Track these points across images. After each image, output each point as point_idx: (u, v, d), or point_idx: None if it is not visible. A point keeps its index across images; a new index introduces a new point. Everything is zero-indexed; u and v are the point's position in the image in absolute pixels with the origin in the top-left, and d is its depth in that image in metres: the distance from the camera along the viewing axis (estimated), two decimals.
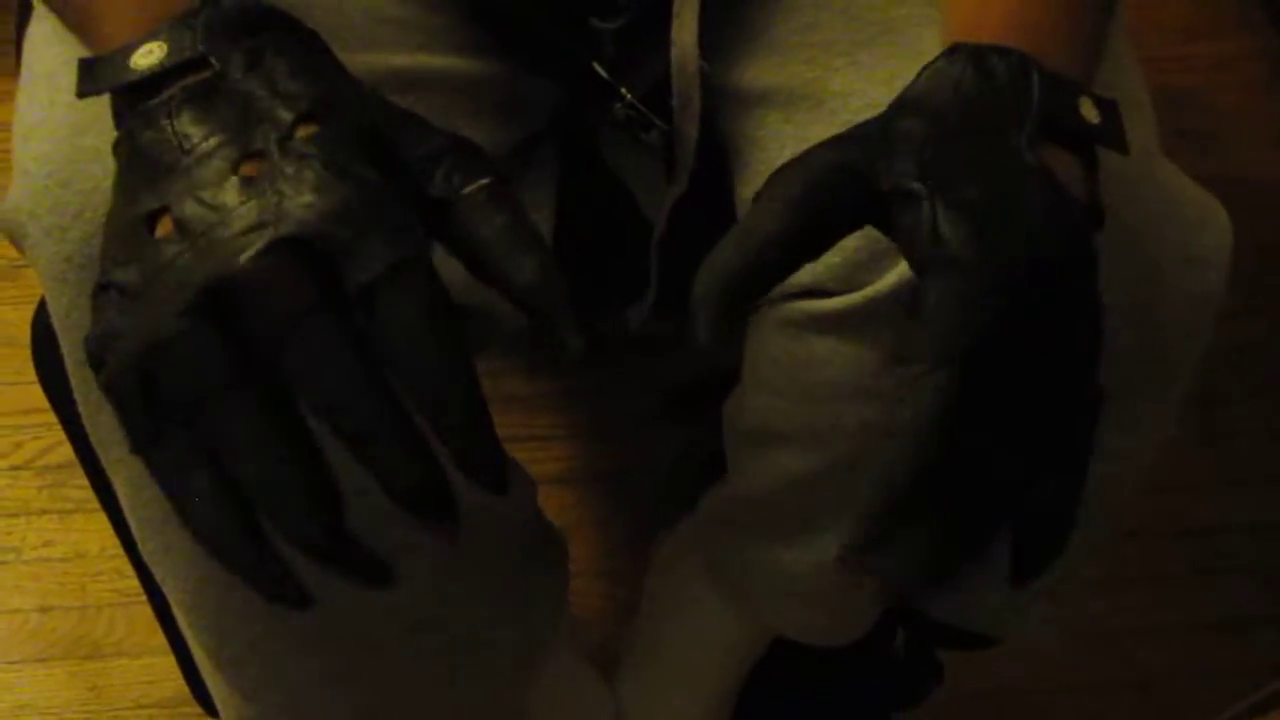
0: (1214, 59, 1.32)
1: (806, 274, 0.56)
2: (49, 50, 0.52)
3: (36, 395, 0.63)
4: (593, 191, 0.66)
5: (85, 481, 0.66)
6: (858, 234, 0.54)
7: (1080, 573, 0.71)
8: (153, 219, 0.40)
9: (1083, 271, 0.43)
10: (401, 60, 0.54)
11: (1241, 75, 1.31)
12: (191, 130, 0.40)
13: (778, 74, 0.58)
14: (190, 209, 0.39)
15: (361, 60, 0.52)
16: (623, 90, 0.59)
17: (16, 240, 0.52)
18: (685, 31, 0.56)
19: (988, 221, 0.41)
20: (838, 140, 0.45)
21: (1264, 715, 0.84)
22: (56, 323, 0.52)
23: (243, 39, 0.41)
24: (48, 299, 0.52)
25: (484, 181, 0.41)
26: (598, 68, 0.59)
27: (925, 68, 0.45)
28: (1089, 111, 0.45)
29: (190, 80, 0.41)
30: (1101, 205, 0.45)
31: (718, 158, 0.62)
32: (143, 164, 0.41)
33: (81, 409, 0.54)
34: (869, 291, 0.55)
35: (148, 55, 0.42)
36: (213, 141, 0.40)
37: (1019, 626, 0.72)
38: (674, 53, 0.57)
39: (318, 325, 0.37)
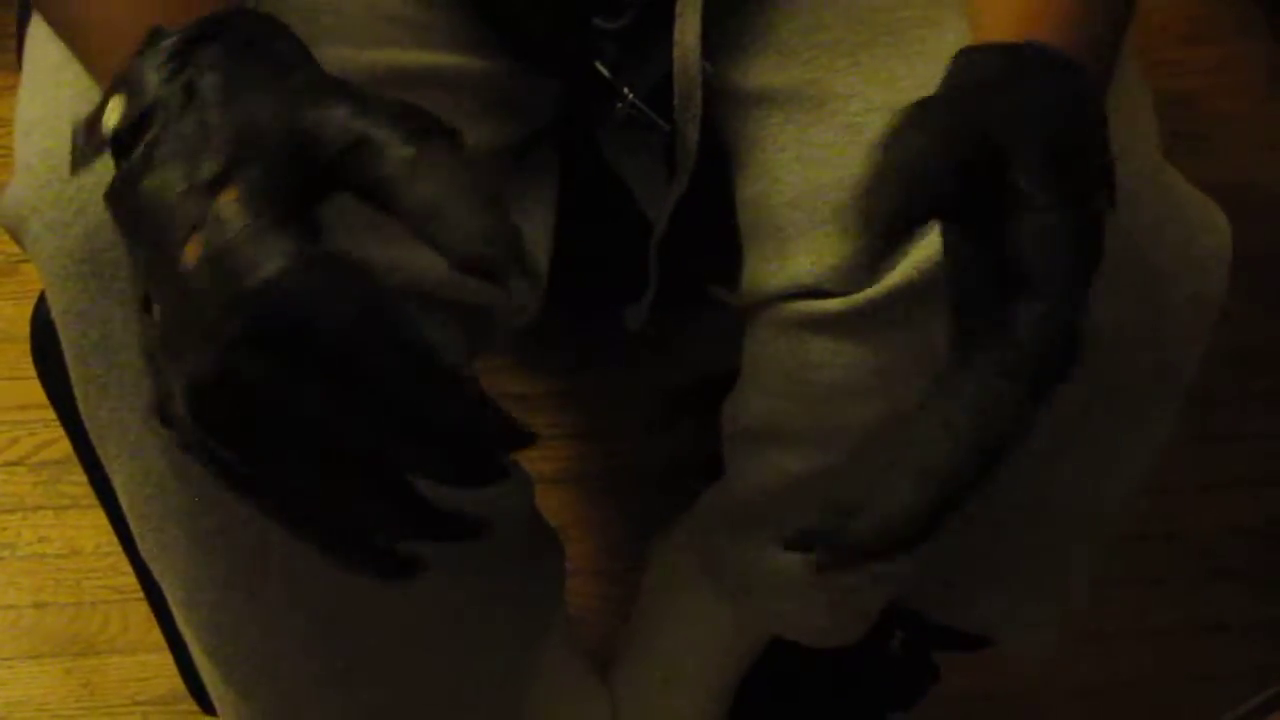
0: (1213, 63, 1.32)
1: (807, 275, 0.56)
2: (51, 46, 0.52)
3: (33, 391, 0.63)
4: (593, 190, 0.65)
5: (81, 478, 0.66)
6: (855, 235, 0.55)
7: (1075, 575, 0.71)
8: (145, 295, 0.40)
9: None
10: (404, 57, 0.54)
11: (1240, 79, 1.31)
12: (149, 202, 0.39)
13: (779, 75, 0.58)
14: (163, 299, 0.39)
15: (363, 57, 0.52)
16: (624, 90, 0.59)
17: (17, 235, 0.51)
18: (688, 32, 0.56)
19: (1080, 253, 0.41)
20: (960, 103, 0.43)
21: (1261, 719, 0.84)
22: (57, 318, 0.52)
23: (184, 70, 0.40)
24: (48, 294, 0.52)
25: (408, 153, 0.39)
26: (600, 67, 0.59)
27: (994, 50, 0.44)
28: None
29: (143, 142, 0.40)
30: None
31: (718, 157, 0.62)
32: (128, 238, 0.41)
33: (81, 404, 0.54)
34: (869, 293, 0.55)
35: (112, 114, 0.41)
36: (166, 213, 0.39)
37: (1014, 628, 0.72)
38: (676, 53, 0.57)
39: (303, 399, 0.38)
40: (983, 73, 0.43)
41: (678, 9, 0.56)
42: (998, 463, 0.41)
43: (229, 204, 0.38)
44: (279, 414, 0.38)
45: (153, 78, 0.40)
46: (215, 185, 0.38)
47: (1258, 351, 1.15)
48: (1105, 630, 1.02)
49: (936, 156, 0.40)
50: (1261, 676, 0.92)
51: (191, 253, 0.38)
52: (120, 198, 0.41)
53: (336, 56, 0.52)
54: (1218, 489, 1.09)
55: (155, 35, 0.41)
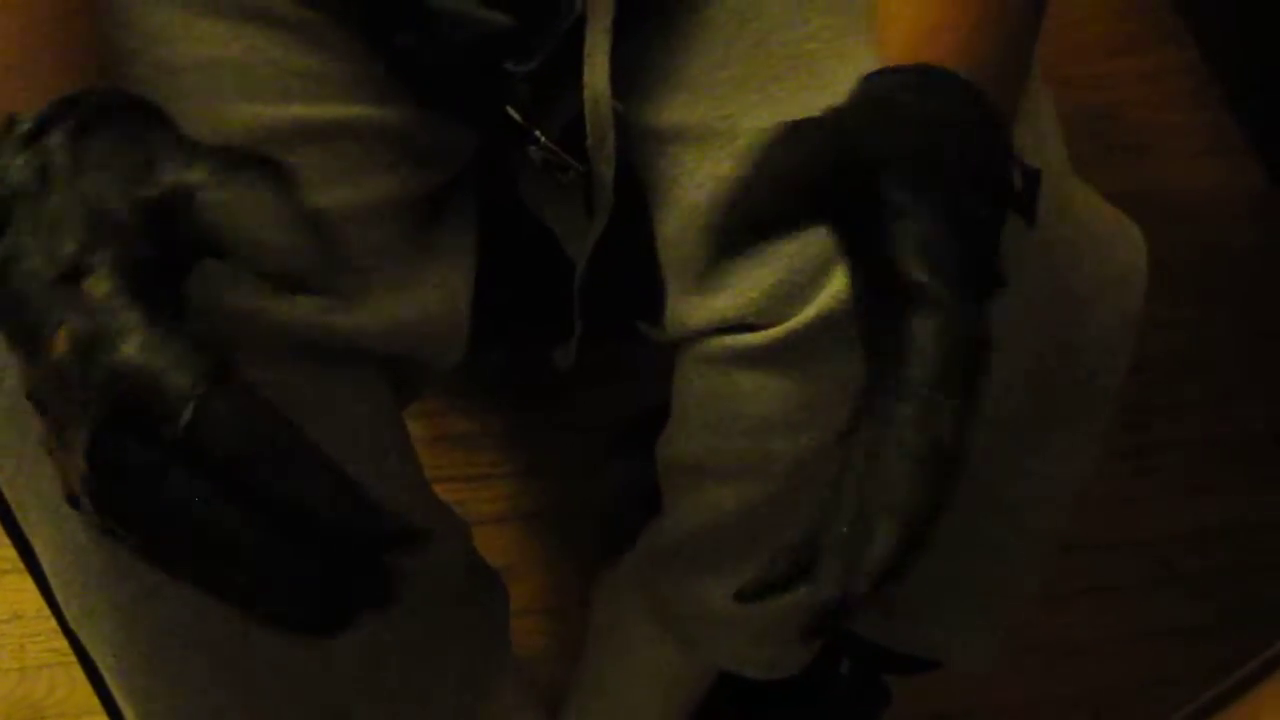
0: (1140, 73, 1.34)
1: (730, 309, 0.57)
2: None
3: None
4: (514, 234, 0.65)
5: None
6: (777, 267, 0.55)
7: (1017, 591, 0.71)
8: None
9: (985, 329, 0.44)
10: (312, 112, 0.54)
11: (1167, 88, 1.33)
12: (18, 296, 0.39)
13: (691, 111, 0.58)
14: (42, 391, 0.39)
15: (270, 113, 0.52)
16: (537, 134, 0.59)
17: None
18: (597, 72, 0.56)
19: (963, 260, 0.41)
20: (835, 120, 0.43)
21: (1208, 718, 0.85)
22: None
23: (38, 152, 0.40)
24: None
25: (219, 194, 0.39)
26: (511, 111, 0.59)
27: (892, 72, 0.44)
28: (1015, 176, 0.46)
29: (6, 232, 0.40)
30: (1003, 270, 0.45)
31: (637, 196, 0.62)
32: (5, 332, 0.40)
33: None
34: (791, 324, 0.55)
35: None
36: (35, 305, 0.39)
37: (957, 648, 0.72)
38: (586, 94, 0.57)
39: (159, 484, 0.38)
40: (864, 95, 0.44)
41: (586, 51, 0.56)
42: (958, 474, 0.41)
43: (92, 288, 0.38)
44: (152, 500, 0.37)
45: (8, 164, 0.40)
46: (77, 272, 0.38)
47: (1192, 357, 1.16)
48: (1056, 643, 1.02)
49: (804, 168, 0.41)
50: (1215, 678, 0.93)
51: (61, 341, 0.38)
52: None
53: (243, 113, 0.52)
54: (1161, 496, 1.10)
55: (9, 122, 0.41)
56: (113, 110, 0.42)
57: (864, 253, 0.42)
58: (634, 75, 0.58)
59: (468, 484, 1.03)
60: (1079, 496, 0.68)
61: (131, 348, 0.37)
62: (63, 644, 0.97)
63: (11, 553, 1.02)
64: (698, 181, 0.57)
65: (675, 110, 0.58)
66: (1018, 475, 0.64)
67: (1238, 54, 1.32)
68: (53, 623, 0.97)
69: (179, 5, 0.52)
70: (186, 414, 0.37)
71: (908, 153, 0.42)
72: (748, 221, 0.41)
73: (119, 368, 0.37)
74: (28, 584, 0.99)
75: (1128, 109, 1.31)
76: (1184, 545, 1.08)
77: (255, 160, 0.40)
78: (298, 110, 0.53)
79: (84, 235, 0.39)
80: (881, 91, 0.44)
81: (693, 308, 0.58)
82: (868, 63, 0.55)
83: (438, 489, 0.66)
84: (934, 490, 0.40)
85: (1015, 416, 0.59)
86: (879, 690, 0.85)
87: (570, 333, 0.67)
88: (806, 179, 0.41)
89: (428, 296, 0.58)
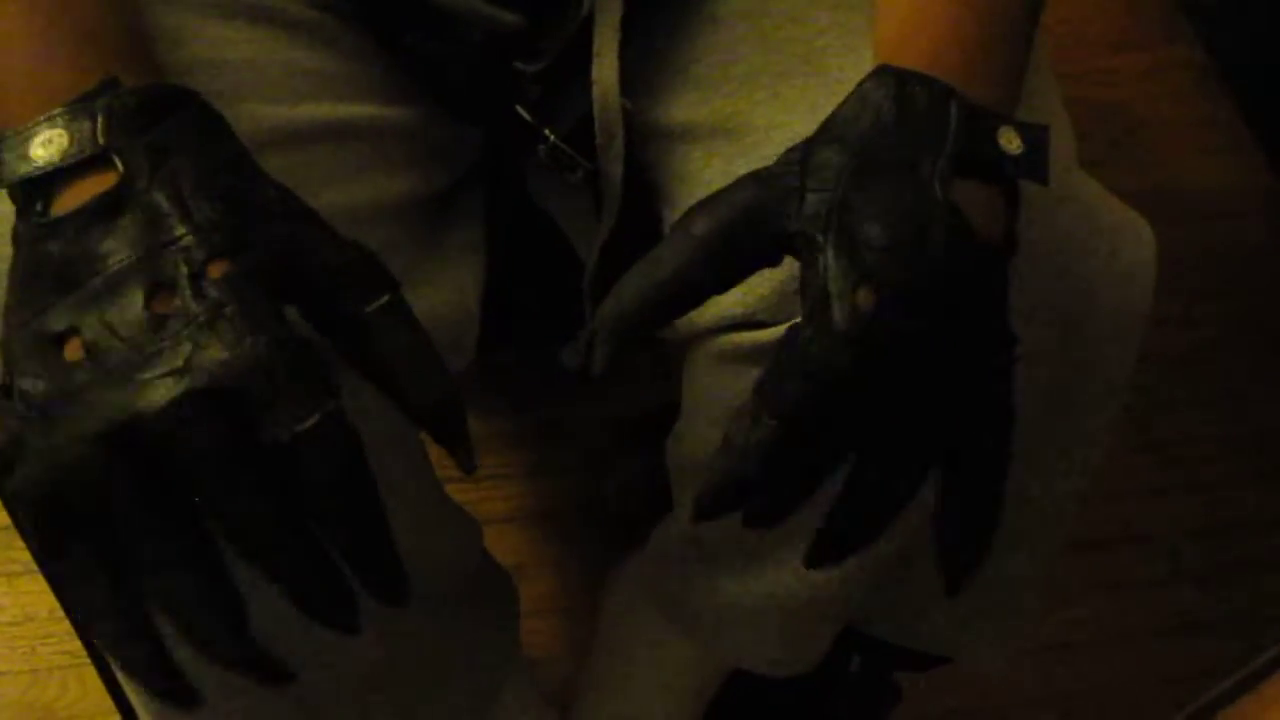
0: (1143, 70, 1.34)
1: (738, 305, 0.57)
2: None
3: None
4: (524, 232, 0.66)
5: None
6: (786, 265, 0.55)
7: (1025, 586, 0.71)
8: (61, 335, 0.40)
9: (985, 305, 0.44)
10: (323, 111, 0.54)
11: (1170, 85, 1.33)
12: (100, 248, 0.39)
13: (700, 109, 0.58)
14: (103, 339, 0.39)
15: (282, 113, 0.52)
16: (546, 132, 0.59)
17: None
18: (606, 71, 0.57)
19: (882, 271, 0.42)
20: (754, 177, 0.46)
21: (1211, 716, 0.85)
22: None
23: (146, 129, 0.41)
24: None
25: (384, 299, 0.42)
26: (521, 110, 0.59)
27: (853, 90, 0.45)
28: (1010, 142, 0.46)
29: (94, 185, 0.40)
30: (1016, 237, 0.46)
31: (646, 194, 0.62)
32: (48, 274, 0.40)
33: None
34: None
35: (47, 145, 0.41)
36: (122, 262, 0.39)
37: (968, 644, 0.72)
38: (595, 92, 0.57)
39: (229, 472, 0.38)
40: (822, 131, 0.46)
41: (595, 49, 0.57)
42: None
43: (218, 281, 0.39)
44: (199, 472, 0.38)
45: (107, 129, 0.41)
46: (205, 261, 0.39)
47: (1201, 353, 1.16)
48: (1070, 638, 1.03)
49: (714, 235, 0.45)
50: (1224, 674, 0.93)
51: (161, 303, 0.39)
52: (50, 236, 0.40)
53: (255, 113, 0.52)
54: (1168, 493, 1.10)
55: (110, 85, 0.42)
56: (220, 126, 0.43)
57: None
58: (643, 73, 0.59)
59: (477, 484, 1.03)
60: (1088, 492, 0.68)
61: (263, 340, 0.38)
62: (75, 646, 0.98)
63: (24, 555, 1.03)
64: (707, 179, 0.58)
65: (684, 108, 0.58)
66: (1025, 468, 0.64)
67: (1243, 50, 1.32)
68: (65, 625, 0.99)
69: (189, 7, 0.52)
70: (307, 422, 0.38)
71: (827, 178, 0.43)
72: (670, 291, 0.45)
73: (236, 362, 0.37)
74: (40, 585, 1.00)
75: (1132, 105, 1.31)
76: (1193, 542, 1.08)
77: (392, 278, 0.43)
78: (307, 110, 0.53)
79: (226, 235, 0.40)
80: (835, 117, 0.45)
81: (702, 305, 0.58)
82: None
83: (448, 489, 0.66)
84: (818, 378, 0.41)
85: (1021, 403, 0.59)
86: (889, 687, 0.85)
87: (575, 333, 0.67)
88: (719, 244, 0.45)
89: (437, 296, 0.58)
